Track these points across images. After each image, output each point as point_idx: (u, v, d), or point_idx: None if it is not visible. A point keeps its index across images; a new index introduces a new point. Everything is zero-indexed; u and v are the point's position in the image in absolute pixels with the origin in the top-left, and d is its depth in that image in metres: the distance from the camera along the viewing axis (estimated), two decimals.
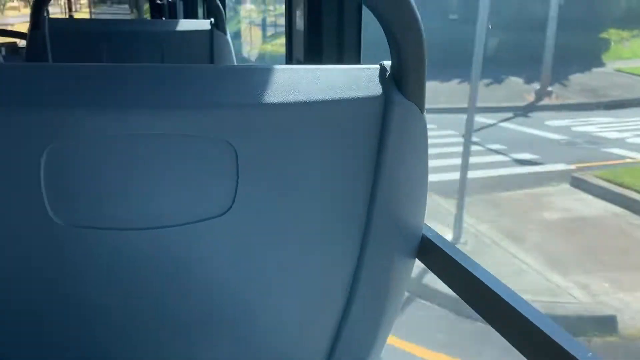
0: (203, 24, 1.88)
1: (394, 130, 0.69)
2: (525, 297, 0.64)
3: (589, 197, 7.10)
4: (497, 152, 9.09)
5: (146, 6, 7.20)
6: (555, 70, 12.56)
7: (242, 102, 0.64)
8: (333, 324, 0.77)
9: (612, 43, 14.83)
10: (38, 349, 0.69)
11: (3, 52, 3.39)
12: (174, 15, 3.79)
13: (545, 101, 12.31)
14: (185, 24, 1.92)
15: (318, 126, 0.67)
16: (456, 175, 6.77)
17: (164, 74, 0.65)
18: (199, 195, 0.64)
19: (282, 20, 1.91)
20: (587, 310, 4.76)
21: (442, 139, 9.37)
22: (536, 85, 12.69)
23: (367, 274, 0.74)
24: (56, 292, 0.65)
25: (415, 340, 4.35)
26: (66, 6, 14.37)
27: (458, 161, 6.94)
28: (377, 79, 0.71)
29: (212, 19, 1.86)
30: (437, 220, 6.28)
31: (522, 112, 11.74)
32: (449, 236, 6.07)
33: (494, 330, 0.66)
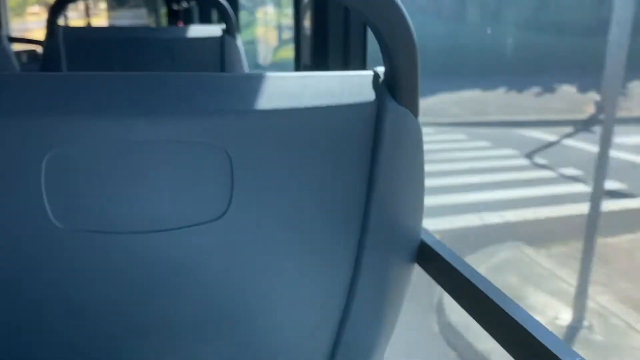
0: (214, 30, 1.90)
1: (388, 135, 0.70)
2: None
3: None
4: (574, 179, 7.26)
5: (163, 10, 7.26)
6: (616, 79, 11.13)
7: (236, 109, 0.66)
8: (331, 330, 0.77)
9: None
10: (39, 351, 0.70)
11: (25, 59, 3.47)
12: (189, 21, 3.84)
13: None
14: (196, 31, 1.93)
15: (312, 132, 0.68)
16: (537, 213, 5.64)
17: (160, 82, 0.67)
18: (195, 200, 0.66)
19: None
20: None
21: (502, 161, 7.90)
22: (594, 95, 10.79)
23: (365, 279, 0.74)
24: (57, 294, 0.66)
25: None
26: (85, 11, 14.57)
27: (533, 192, 6.08)
28: (370, 85, 0.72)
29: (224, 25, 1.88)
30: (540, 288, 4.51)
31: (584, 126, 10.21)
32: (565, 316, 4.25)
33: None
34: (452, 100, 12.32)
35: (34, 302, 0.66)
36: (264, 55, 14.28)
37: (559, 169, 7.64)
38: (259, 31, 15.19)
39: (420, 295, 4.28)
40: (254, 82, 0.69)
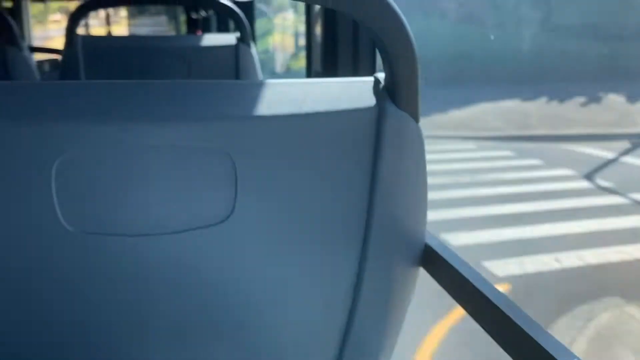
0: (229, 38, 1.93)
1: (389, 140, 0.71)
2: None
3: None
4: None
5: (183, 17, 7.36)
6: None
7: (240, 115, 0.68)
8: (337, 334, 0.77)
9: None
10: (47, 351, 0.71)
11: (47, 68, 3.56)
12: (208, 29, 3.90)
13: None
14: (212, 39, 1.98)
15: (314, 137, 0.70)
16: (621, 252, 4.65)
17: (167, 90, 0.70)
18: (201, 203, 0.68)
19: None
20: None
21: (560, 184, 6.77)
22: None
23: (369, 282, 0.75)
24: (67, 294, 0.68)
25: None
26: (105, 19, 14.82)
27: (607, 223, 5.03)
28: (371, 90, 0.74)
29: (239, 33, 1.92)
30: None
31: None
32: None
33: None
34: (491, 111, 11.45)
35: (44, 303, 0.68)
36: (281, 63, 14.34)
37: (629, 193, 6.54)
38: (276, 39, 15.25)
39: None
40: (257, 89, 0.72)
